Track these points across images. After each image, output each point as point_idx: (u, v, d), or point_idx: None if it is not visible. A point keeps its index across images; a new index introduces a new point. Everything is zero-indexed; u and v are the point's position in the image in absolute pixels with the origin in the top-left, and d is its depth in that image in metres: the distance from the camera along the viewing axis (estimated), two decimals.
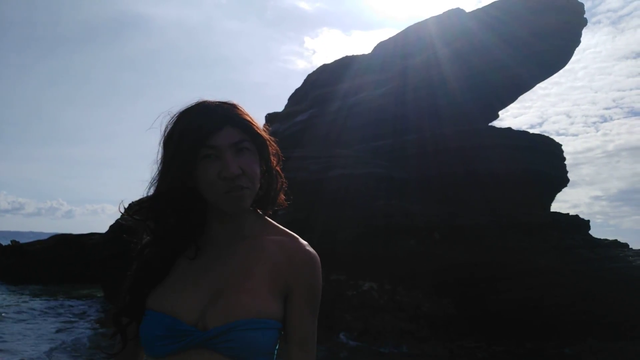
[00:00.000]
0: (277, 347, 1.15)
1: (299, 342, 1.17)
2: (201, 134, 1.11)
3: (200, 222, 1.22)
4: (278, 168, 1.26)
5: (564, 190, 16.46)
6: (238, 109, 1.19)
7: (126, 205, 1.23)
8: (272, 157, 1.22)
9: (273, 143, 1.24)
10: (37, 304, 16.60)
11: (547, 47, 15.10)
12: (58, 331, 12.60)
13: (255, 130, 1.18)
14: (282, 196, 1.27)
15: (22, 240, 28.08)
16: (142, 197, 1.21)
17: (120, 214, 1.24)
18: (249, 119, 1.18)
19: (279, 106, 21.48)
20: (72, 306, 16.34)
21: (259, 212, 1.25)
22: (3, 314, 14.36)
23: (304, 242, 1.21)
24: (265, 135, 1.21)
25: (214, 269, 1.17)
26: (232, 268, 1.16)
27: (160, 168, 1.17)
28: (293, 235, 1.23)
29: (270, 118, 21.04)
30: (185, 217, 1.20)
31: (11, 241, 26.27)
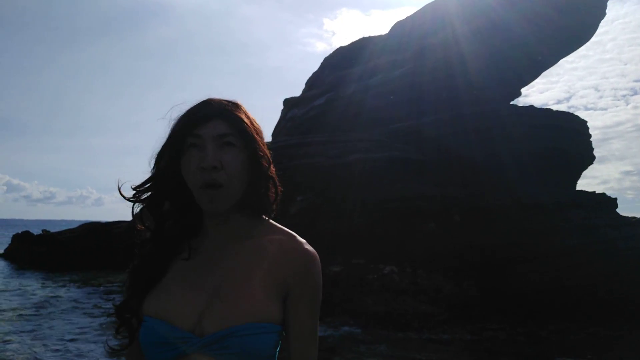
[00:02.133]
0: (277, 349, 1.13)
1: (300, 343, 1.16)
2: (189, 122, 1.13)
3: (195, 220, 1.22)
4: (273, 174, 1.22)
5: (594, 166, 16.17)
6: (239, 107, 1.19)
7: (128, 188, 1.24)
8: (262, 162, 1.18)
9: (266, 148, 1.20)
10: (66, 292, 17.18)
11: (570, 22, 14.56)
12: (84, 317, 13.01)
13: (245, 128, 1.15)
14: (274, 205, 1.23)
15: (55, 228, 28.96)
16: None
17: (121, 196, 1.23)
18: (243, 117, 1.16)
19: (299, 90, 21.46)
20: (103, 294, 16.85)
21: (256, 214, 1.22)
22: (38, 302, 14.92)
23: (302, 241, 1.19)
24: (259, 138, 1.19)
25: (210, 272, 1.15)
26: (229, 271, 1.14)
27: (157, 154, 1.20)
28: (291, 234, 1.21)
29: (288, 103, 21.00)
30: (181, 209, 1.21)
31: (42, 230, 27.11)
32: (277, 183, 1.23)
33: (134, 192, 1.22)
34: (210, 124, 1.12)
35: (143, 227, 1.24)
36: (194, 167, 1.11)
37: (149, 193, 1.21)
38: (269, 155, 1.21)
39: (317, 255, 1.18)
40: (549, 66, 16.83)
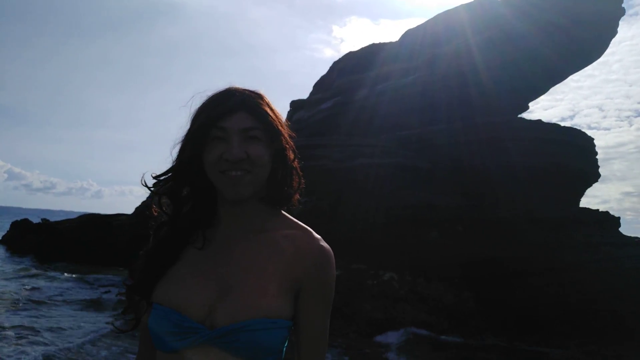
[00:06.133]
0: (285, 344, 1.13)
1: (310, 340, 1.15)
2: (214, 114, 1.12)
3: (210, 209, 1.22)
4: (297, 165, 1.23)
5: (594, 185, 16.08)
6: (262, 98, 1.18)
7: (147, 178, 1.25)
8: (288, 153, 1.19)
9: (290, 140, 1.21)
10: (63, 282, 17.09)
11: (584, 34, 14.55)
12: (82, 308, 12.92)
13: (271, 122, 1.15)
14: (297, 196, 1.24)
15: (53, 218, 28.95)
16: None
17: (143, 185, 1.25)
18: (268, 110, 1.16)
19: (305, 95, 21.42)
20: (100, 283, 16.76)
21: (272, 206, 1.22)
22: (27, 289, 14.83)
23: (318, 237, 1.17)
24: (284, 130, 1.19)
25: (223, 264, 1.15)
26: (242, 264, 1.14)
27: (179, 145, 1.19)
28: (306, 229, 1.19)
29: (295, 105, 20.98)
30: (198, 197, 1.21)
31: (42, 219, 27.09)
32: (300, 174, 1.23)
33: (155, 181, 1.23)
34: (235, 117, 1.12)
35: (159, 211, 1.24)
36: (216, 158, 1.11)
37: (170, 183, 1.21)
38: (294, 146, 1.22)
39: (332, 253, 1.17)
40: (561, 79, 16.78)
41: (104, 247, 20.69)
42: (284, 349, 1.13)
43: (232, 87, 1.18)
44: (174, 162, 1.20)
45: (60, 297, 14.03)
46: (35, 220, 27.67)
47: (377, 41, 19.91)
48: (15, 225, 27.89)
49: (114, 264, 19.83)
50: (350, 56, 19.97)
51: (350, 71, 18.13)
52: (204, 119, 1.13)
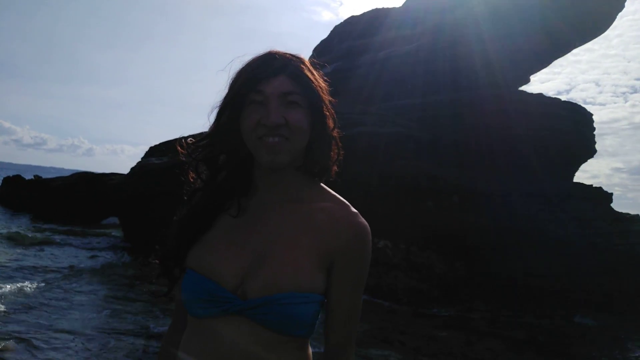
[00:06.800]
0: (317, 318, 1.13)
1: (340, 316, 1.14)
2: (253, 77, 1.09)
3: (246, 176, 1.20)
4: (336, 135, 1.19)
5: None
6: (303, 62, 1.14)
7: (181, 143, 1.22)
8: (328, 121, 1.16)
9: (331, 108, 1.17)
10: (59, 238, 17.13)
11: (593, 6, 14.29)
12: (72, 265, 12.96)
13: (312, 87, 1.11)
14: (335, 167, 1.21)
15: (44, 175, 28.71)
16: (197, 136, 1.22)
17: (180, 150, 1.23)
18: (309, 74, 1.13)
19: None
20: (96, 244, 16.80)
21: (309, 177, 1.20)
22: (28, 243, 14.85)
23: (355, 211, 1.15)
24: (325, 96, 1.15)
25: (257, 233, 1.13)
26: (276, 234, 1.12)
27: (217, 109, 1.17)
28: (344, 203, 1.17)
29: None
30: (234, 164, 1.19)
31: (34, 176, 26.88)
32: (339, 144, 1.20)
33: (193, 147, 1.20)
34: (274, 81, 1.08)
35: (195, 177, 1.22)
36: (253, 123, 1.08)
37: (207, 148, 1.19)
38: (334, 114, 1.18)
39: (369, 230, 1.14)
40: (567, 51, 16.53)
41: (100, 206, 20.63)
42: (315, 322, 1.13)
43: (273, 51, 1.15)
44: (211, 127, 1.18)
45: (51, 262, 13.91)
46: (27, 176, 27.45)
47: (379, 6, 19.46)
48: (7, 181, 27.64)
49: (109, 225, 19.85)
50: (352, 20, 19.51)
51: (352, 36, 17.77)
52: (242, 82, 1.10)
